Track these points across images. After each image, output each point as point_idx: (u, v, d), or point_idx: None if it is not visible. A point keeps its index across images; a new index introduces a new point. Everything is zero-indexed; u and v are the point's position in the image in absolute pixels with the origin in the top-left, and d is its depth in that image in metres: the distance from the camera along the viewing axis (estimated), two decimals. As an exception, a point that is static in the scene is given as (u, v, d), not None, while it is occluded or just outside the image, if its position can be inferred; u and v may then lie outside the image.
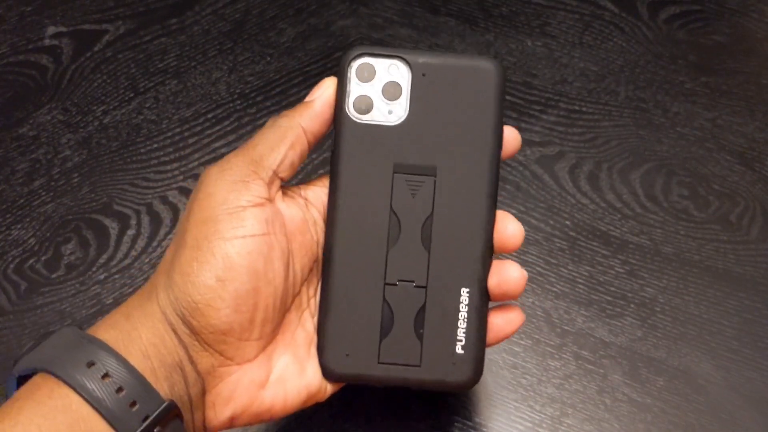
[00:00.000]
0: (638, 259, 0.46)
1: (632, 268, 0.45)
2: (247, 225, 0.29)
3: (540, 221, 0.47)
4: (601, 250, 0.46)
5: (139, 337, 0.27)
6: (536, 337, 0.43)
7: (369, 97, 0.31)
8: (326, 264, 0.32)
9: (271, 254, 0.29)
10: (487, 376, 0.42)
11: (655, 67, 0.54)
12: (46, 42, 0.55)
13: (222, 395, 0.29)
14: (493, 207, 0.32)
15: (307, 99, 0.32)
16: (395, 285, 0.31)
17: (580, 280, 0.45)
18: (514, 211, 0.47)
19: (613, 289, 0.45)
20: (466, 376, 0.32)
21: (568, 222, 0.47)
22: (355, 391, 0.41)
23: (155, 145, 0.50)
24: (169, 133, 0.51)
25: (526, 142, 0.50)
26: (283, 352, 0.31)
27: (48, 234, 0.47)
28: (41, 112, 0.52)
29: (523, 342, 0.43)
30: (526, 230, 0.47)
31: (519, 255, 0.46)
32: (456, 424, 0.40)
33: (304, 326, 0.33)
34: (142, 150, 0.50)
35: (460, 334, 0.31)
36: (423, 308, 0.31)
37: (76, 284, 0.45)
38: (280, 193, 0.31)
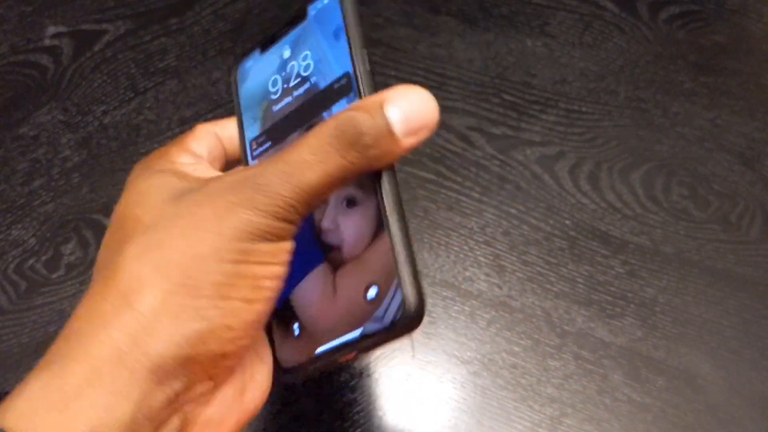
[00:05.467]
0: (638, 259, 0.46)
1: (632, 268, 0.45)
2: (280, 254, 0.24)
3: (540, 221, 0.47)
4: (601, 250, 0.46)
5: (81, 407, 0.21)
6: (536, 337, 0.43)
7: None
8: None
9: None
10: (487, 376, 0.42)
11: (655, 67, 0.54)
12: (46, 42, 0.55)
13: (213, 420, 0.24)
14: None
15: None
16: None
17: (580, 280, 0.45)
18: (514, 211, 0.47)
19: (613, 289, 0.45)
20: None
21: (568, 222, 0.47)
22: (353, 389, 0.41)
23: (155, 145, 0.50)
24: (169, 133, 0.51)
25: (526, 142, 0.50)
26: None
27: (48, 234, 0.47)
28: (41, 112, 0.52)
29: (522, 342, 0.43)
30: (526, 230, 0.47)
31: (520, 255, 0.46)
32: (456, 423, 0.40)
33: None
34: (142, 150, 0.50)
35: None
36: None
37: (76, 284, 0.45)
38: None
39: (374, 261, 0.25)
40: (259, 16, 0.56)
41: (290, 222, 0.23)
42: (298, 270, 0.26)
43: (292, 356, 0.26)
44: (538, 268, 0.45)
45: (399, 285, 0.24)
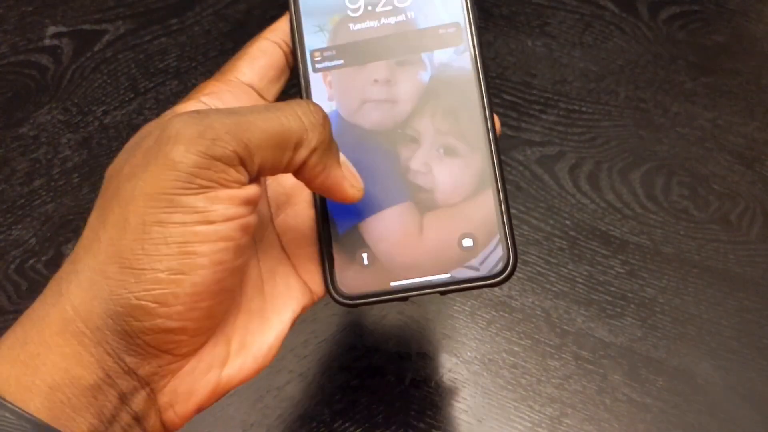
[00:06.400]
0: (638, 259, 0.46)
1: (632, 268, 0.45)
2: (219, 209, 0.22)
3: (540, 221, 0.47)
4: (601, 250, 0.46)
5: (42, 364, 0.21)
6: (536, 337, 0.43)
7: None
8: None
9: (243, 241, 0.23)
10: (487, 376, 0.42)
11: (655, 67, 0.54)
12: (46, 42, 0.55)
13: (179, 392, 0.24)
14: None
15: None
16: None
17: (580, 280, 0.45)
18: (514, 210, 0.47)
19: (613, 289, 0.45)
20: None
21: (568, 222, 0.47)
22: (356, 390, 0.41)
23: (155, 145, 0.50)
24: (170, 133, 0.51)
25: (526, 142, 0.50)
26: (235, 316, 0.25)
27: (49, 234, 0.47)
28: (41, 112, 0.52)
29: (522, 342, 0.43)
30: (526, 230, 0.47)
31: (519, 255, 0.46)
32: (456, 423, 0.40)
33: (247, 266, 0.26)
34: (143, 150, 0.50)
35: None
36: None
37: (77, 284, 0.45)
38: None
39: (473, 213, 0.26)
40: (259, 16, 0.56)
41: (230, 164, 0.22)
42: (371, 201, 0.27)
43: (359, 284, 0.27)
44: (538, 268, 0.45)
45: (501, 241, 0.26)
